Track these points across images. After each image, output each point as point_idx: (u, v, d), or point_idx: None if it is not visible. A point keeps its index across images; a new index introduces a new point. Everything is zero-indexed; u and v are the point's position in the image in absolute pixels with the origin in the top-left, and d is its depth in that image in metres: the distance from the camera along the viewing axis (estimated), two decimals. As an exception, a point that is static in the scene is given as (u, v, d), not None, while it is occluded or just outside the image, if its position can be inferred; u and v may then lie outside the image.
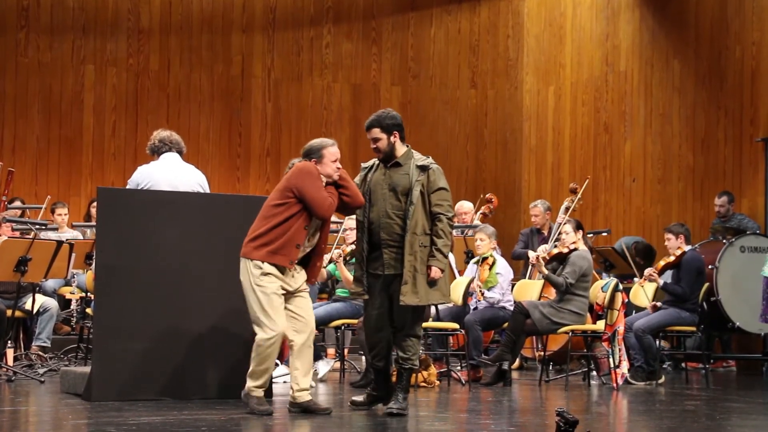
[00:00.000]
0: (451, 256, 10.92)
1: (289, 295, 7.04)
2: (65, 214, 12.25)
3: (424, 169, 7.17)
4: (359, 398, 7.51)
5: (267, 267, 6.93)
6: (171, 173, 8.10)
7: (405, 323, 7.22)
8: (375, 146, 7.24)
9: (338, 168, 7.08)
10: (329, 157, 7.04)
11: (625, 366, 9.44)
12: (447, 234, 7.16)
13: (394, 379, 7.49)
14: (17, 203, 12.14)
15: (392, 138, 7.21)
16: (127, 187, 8.21)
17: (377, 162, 7.34)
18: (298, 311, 7.06)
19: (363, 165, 7.43)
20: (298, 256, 7.01)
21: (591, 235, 12.58)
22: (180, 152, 8.28)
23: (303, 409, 7.04)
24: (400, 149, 7.26)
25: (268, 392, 7.90)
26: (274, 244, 6.90)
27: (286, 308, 7.00)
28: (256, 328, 6.97)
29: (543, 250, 10.61)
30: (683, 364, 10.94)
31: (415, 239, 7.06)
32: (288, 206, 6.93)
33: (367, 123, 7.28)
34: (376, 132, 7.21)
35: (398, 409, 7.11)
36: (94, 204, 10.72)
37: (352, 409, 7.36)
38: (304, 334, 7.04)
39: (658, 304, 10.11)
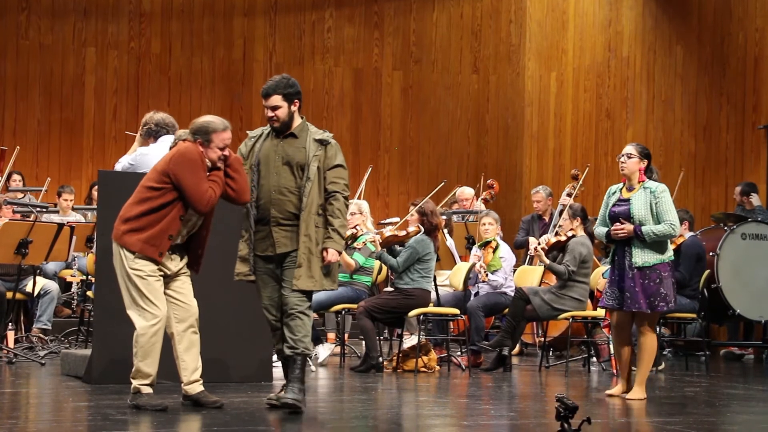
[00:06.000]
0: (451, 241, 10.92)
1: (167, 279, 6.55)
2: (71, 200, 12.15)
3: (322, 143, 6.55)
4: (276, 396, 6.62)
5: None
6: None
7: (291, 301, 6.49)
8: (273, 115, 6.53)
9: (225, 156, 6.48)
10: (217, 142, 6.45)
11: (625, 352, 9.42)
12: (344, 214, 6.54)
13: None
14: (15, 177, 12.11)
15: (293, 107, 6.57)
16: (121, 162, 8.09)
17: (267, 130, 6.67)
18: (177, 296, 6.57)
19: (250, 134, 6.75)
20: (168, 247, 6.47)
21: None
22: None
23: (194, 402, 6.57)
24: (296, 120, 6.61)
25: (268, 377, 7.92)
26: (146, 233, 6.40)
27: (165, 292, 6.51)
28: (135, 317, 6.44)
29: (542, 240, 10.61)
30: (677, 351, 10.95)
31: (310, 219, 6.45)
32: (163, 192, 6.40)
33: (265, 90, 6.57)
34: (277, 99, 6.53)
35: (294, 400, 6.38)
36: (96, 187, 10.70)
37: (267, 408, 6.55)
38: (186, 321, 6.58)
39: None
